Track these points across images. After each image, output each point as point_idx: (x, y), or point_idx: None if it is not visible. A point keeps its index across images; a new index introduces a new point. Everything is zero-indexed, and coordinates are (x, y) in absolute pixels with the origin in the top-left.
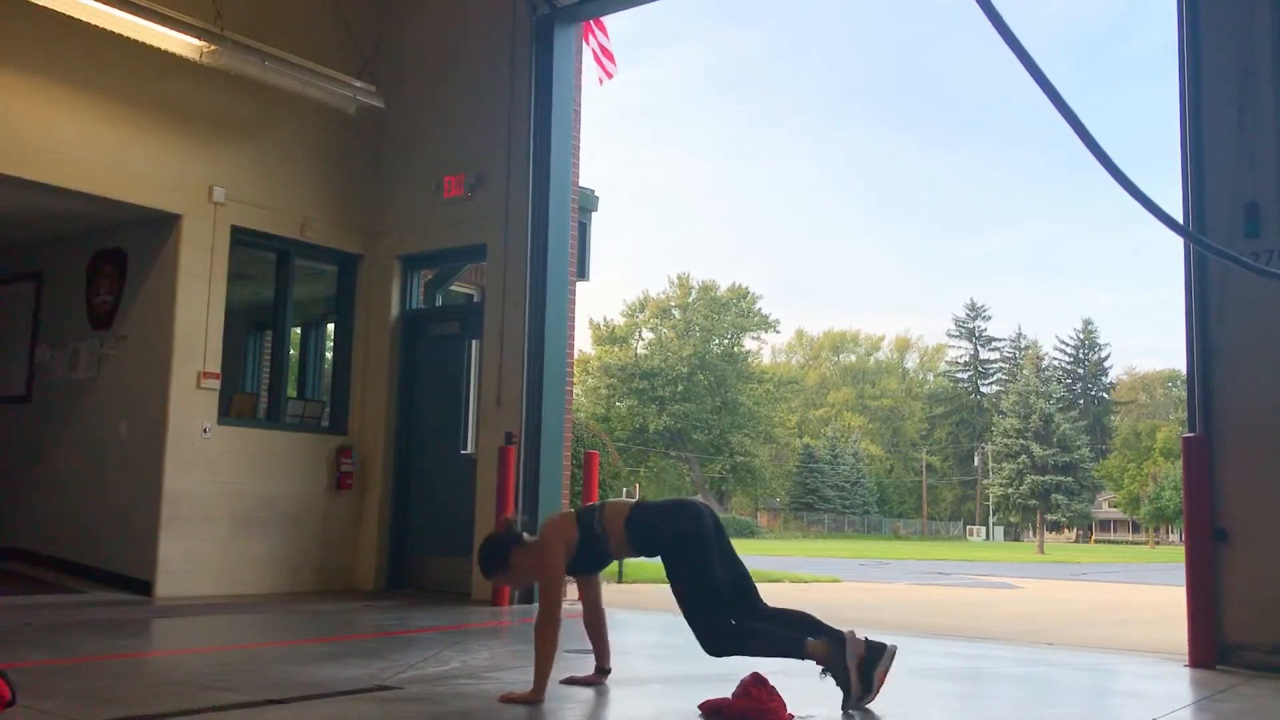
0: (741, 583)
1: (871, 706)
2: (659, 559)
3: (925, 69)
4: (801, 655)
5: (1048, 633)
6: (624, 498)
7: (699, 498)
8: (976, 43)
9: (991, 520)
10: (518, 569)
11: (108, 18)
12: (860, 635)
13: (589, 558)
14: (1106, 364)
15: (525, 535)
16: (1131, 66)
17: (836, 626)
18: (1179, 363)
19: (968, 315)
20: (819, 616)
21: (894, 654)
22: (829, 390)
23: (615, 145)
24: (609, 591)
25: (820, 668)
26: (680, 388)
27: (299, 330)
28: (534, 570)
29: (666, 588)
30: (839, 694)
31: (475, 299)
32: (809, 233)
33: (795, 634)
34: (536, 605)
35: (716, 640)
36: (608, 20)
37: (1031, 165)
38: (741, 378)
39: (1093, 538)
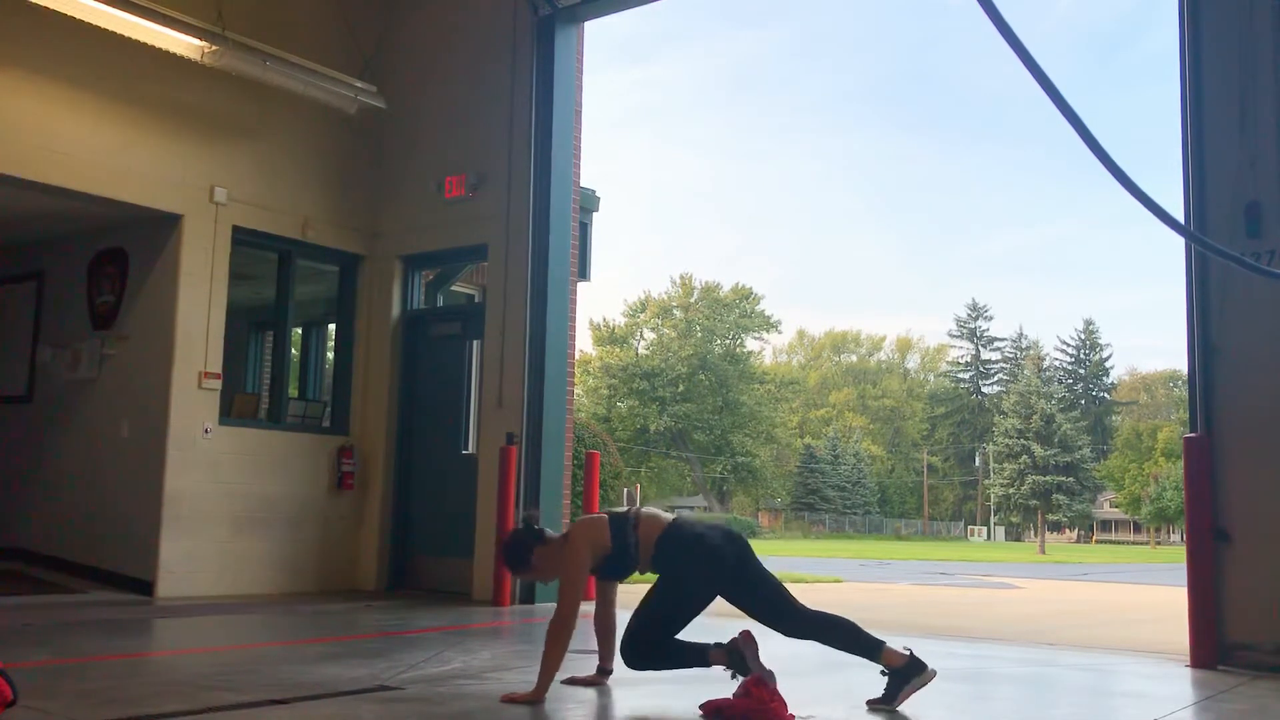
0: (776, 600)
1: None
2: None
3: (930, 70)
4: (707, 664)
5: (1049, 633)
6: (625, 500)
7: (732, 529)
8: (980, 43)
9: (993, 520)
10: (539, 567)
11: (108, 18)
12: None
13: (618, 566)
14: (1108, 364)
15: (547, 531)
16: (1137, 68)
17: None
18: (1180, 363)
19: (969, 315)
20: (831, 613)
21: (931, 677)
22: (830, 390)
23: (619, 145)
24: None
25: (730, 672)
26: (681, 388)
27: (300, 330)
28: (556, 570)
29: None
30: (839, 694)
31: (476, 299)
32: (811, 232)
33: (700, 645)
34: (544, 605)
35: (640, 654)
36: (611, 20)
37: (1033, 165)
38: (743, 378)
39: (1094, 538)
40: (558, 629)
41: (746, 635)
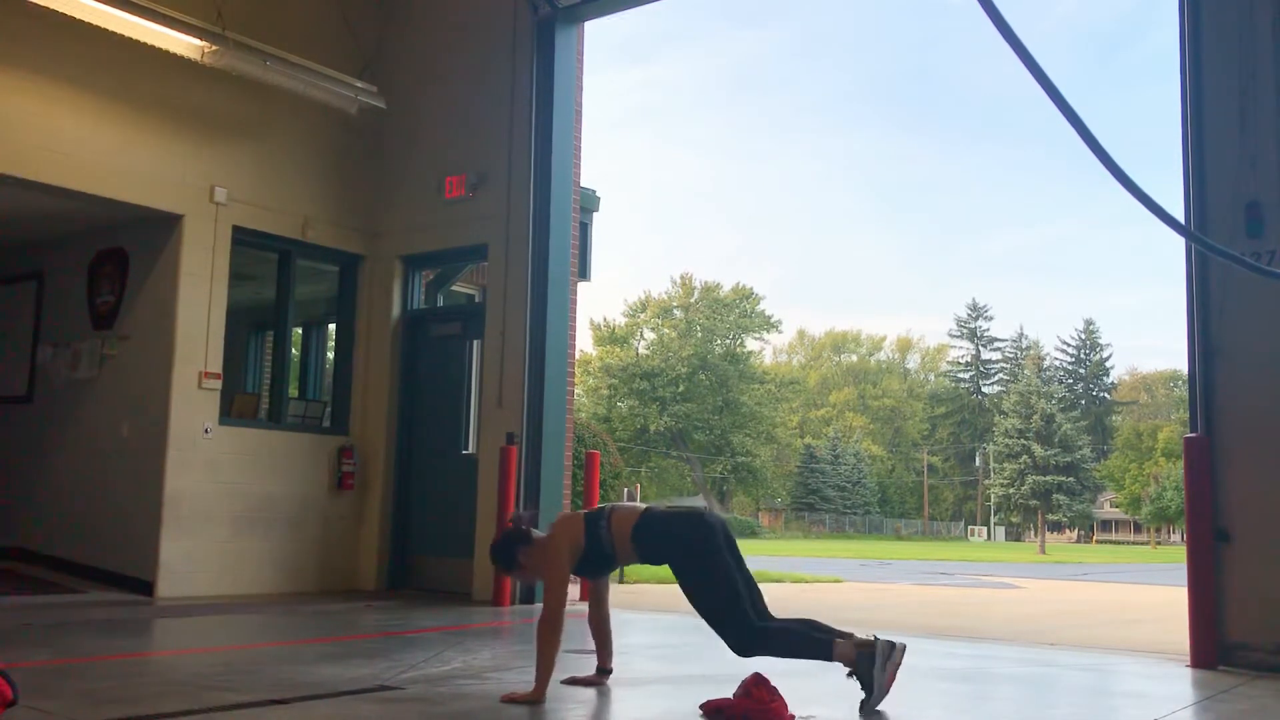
0: (751, 592)
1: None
2: (667, 566)
3: (930, 69)
4: (829, 657)
5: (1049, 633)
6: (625, 500)
7: (706, 506)
8: (980, 43)
9: (993, 520)
10: (526, 566)
11: (109, 18)
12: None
13: (594, 562)
14: (1108, 364)
15: (534, 532)
16: (1137, 68)
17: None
18: (1181, 363)
19: (969, 315)
20: (821, 618)
21: (903, 650)
22: (830, 390)
23: (619, 145)
24: (611, 591)
25: (847, 670)
26: (681, 388)
27: (300, 330)
28: (539, 570)
29: (669, 588)
30: (839, 694)
31: (476, 299)
32: (811, 232)
33: (822, 635)
34: (540, 605)
35: (745, 639)
36: (611, 20)
37: (1033, 165)
38: (743, 378)
39: (1094, 538)
40: (546, 627)
41: (889, 644)
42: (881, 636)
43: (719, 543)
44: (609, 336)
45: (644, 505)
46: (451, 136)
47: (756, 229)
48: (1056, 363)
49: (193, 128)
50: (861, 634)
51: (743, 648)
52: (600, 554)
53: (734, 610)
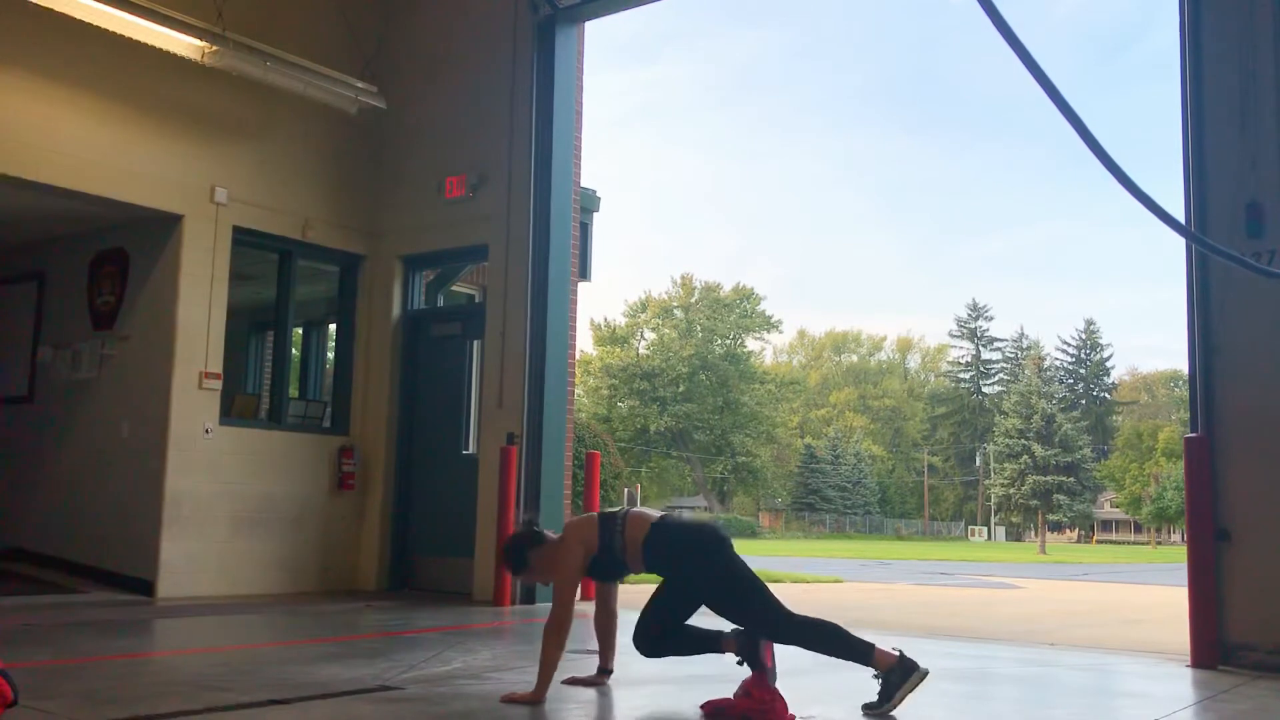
0: (764, 605)
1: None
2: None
3: (931, 70)
4: (719, 650)
5: (1049, 633)
6: (626, 500)
7: (716, 520)
8: (983, 43)
9: (993, 520)
10: (537, 568)
11: (109, 18)
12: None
13: (606, 567)
14: (1109, 364)
15: (546, 533)
16: (1137, 68)
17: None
18: (1181, 363)
19: (970, 315)
20: (818, 618)
21: (924, 676)
22: (831, 390)
23: (619, 145)
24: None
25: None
26: (682, 388)
27: (301, 331)
28: (550, 570)
29: None
30: (839, 694)
31: (477, 299)
32: (812, 232)
33: (713, 632)
34: (544, 605)
35: (650, 642)
36: (612, 20)
37: (1033, 165)
38: (744, 378)
39: (1094, 538)
40: (553, 628)
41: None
42: (891, 647)
43: (726, 559)
44: (609, 336)
45: (657, 514)
46: (451, 136)
47: (756, 229)
48: (1057, 363)
49: (193, 128)
50: (887, 647)
51: (645, 648)
52: (612, 559)
53: (773, 610)
